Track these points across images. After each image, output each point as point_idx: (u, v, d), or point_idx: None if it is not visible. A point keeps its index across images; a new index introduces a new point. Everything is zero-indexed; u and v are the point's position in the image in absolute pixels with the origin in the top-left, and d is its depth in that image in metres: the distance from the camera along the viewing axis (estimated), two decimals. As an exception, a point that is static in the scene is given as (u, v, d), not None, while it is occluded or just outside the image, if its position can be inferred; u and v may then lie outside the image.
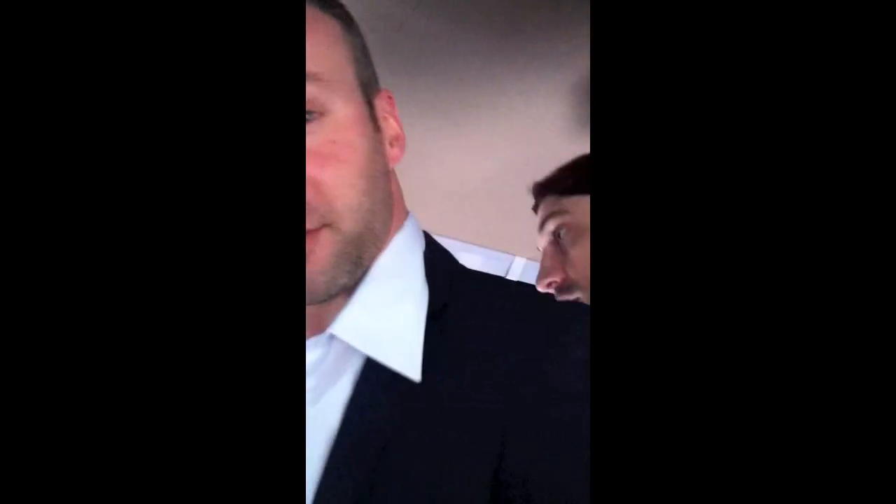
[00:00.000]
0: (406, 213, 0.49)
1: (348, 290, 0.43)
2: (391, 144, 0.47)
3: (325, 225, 0.40)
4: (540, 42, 0.80)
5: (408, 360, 0.40)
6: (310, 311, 0.44)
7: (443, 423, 0.39)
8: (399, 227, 0.47)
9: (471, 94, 0.90)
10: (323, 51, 0.41)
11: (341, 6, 0.45)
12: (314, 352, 0.43)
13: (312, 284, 0.40)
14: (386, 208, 0.45)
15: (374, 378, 0.41)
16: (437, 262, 0.46)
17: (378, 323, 0.42)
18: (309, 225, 0.39)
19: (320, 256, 0.40)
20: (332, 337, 0.42)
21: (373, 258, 0.44)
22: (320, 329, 0.44)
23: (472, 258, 1.10)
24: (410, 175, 1.02)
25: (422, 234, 0.49)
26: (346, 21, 0.45)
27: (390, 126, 0.47)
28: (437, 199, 1.16)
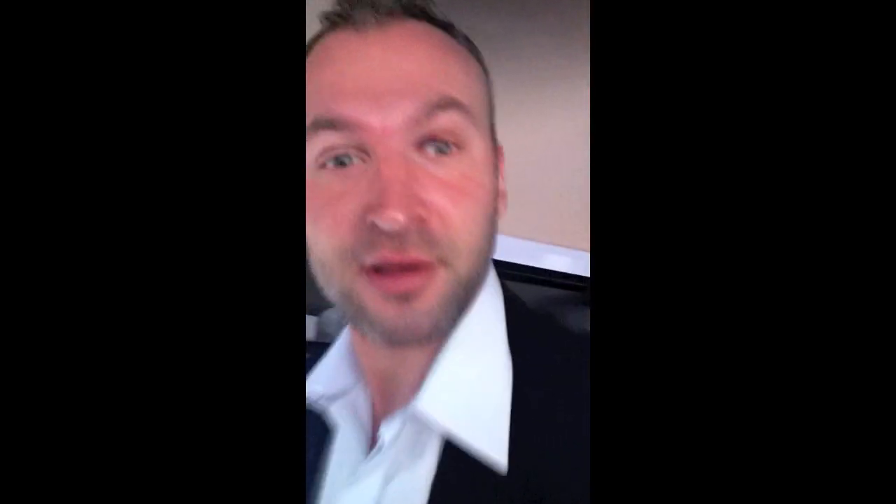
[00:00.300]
0: (490, 268, 0.45)
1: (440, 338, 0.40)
2: (501, 197, 0.45)
3: (442, 263, 0.37)
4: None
5: (495, 446, 0.37)
6: (382, 370, 0.42)
7: None
8: (485, 283, 0.43)
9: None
10: (470, 83, 0.40)
11: (478, 52, 0.45)
12: (391, 428, 0.39)
13: (415, 325, 0.37)
14: (490, 258, 0.42)
15: (458, 462, 0.37)
16: (518, 326, 0.43)
17: (464, 402, 0.38)
18: (426, 257, 0.37)
19: (431, 296, 0.37)
20: (412, 415, 0.39)
21: (466, 313, 0.40)
22: (391, 401, 0.41)
23: (560, 259, 1.03)
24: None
25: (499, 288, 0.45)
26: (484, 66, 0.45)
27: (501, 180, 0.45)
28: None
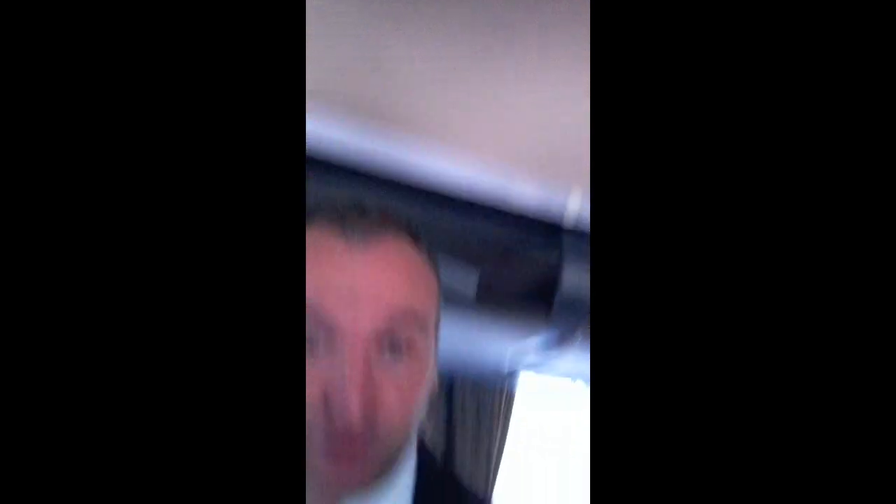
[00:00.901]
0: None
1: None
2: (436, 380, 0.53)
3: (376, 439, 0.43)
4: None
5: None
6: None
7: None
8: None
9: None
10: (427, 295, 0.47)
11: (436, 260, 0.52)
12: None
13: (350, 479, 0.45)
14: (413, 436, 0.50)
15: None
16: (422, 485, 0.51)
17: None
18: (374, 446, 0.43)
19: (365, 460, 0.44)
20: None
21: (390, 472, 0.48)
22: None
23: (526, 189, 1.08)
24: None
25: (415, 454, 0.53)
26: (437, 274, 0.51)
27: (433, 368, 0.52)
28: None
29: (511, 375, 1.31)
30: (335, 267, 0.44)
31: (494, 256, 1.18)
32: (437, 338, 0.51)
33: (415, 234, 0.50)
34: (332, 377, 0.42)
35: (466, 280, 1.07)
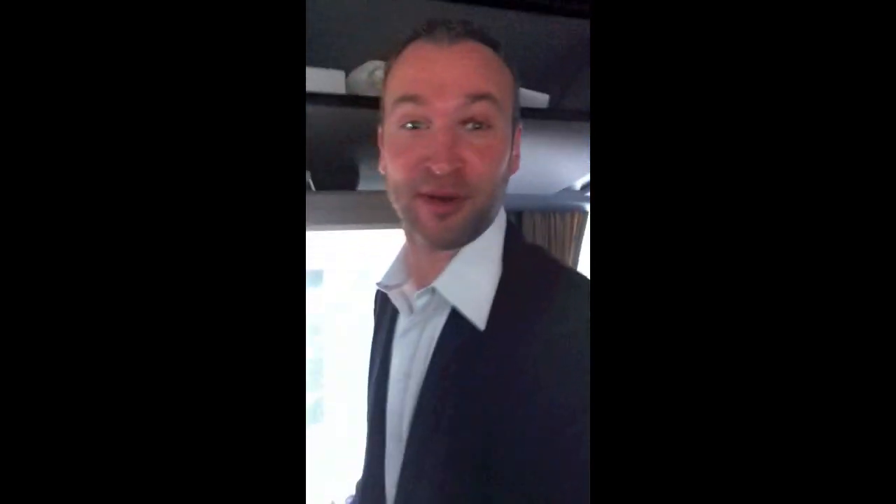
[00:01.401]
0: (502, 207, 0.66)
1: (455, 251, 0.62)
2: (514, 161, 0.65)
3: (468, 198, 0.57)
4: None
5: (477, 313, 0.58)
6: (422, 265, 0.65)
7: (498, 368, 0.54)
8: (496, 216, 0.63)
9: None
10: (501, 84, 0.58)
11: (511, 60, 0.62)
12: (422, 299, 0.63)
13: (447, 235, 0.59)
14: (501, 201, 0.63)
15: (455, 325, 0.60)
16: (511, 246, 0.63)
17: (465, 285, 0.60)
18: (459, 193, 0.57)
19: (459, 218, 0.58)
20: (433, 290, 0.61)
21: (480, 233, 0.62)
22: (425, 283, 0.63)
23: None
24: None
25: (505, 221, 0.66)
26: (514, 71, 0.62)
27: (517, 149, 0.65)
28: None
29: (584, 195, 1.34)
30: (425, 64, 0.57)
31: (565, 73, 1.16)
32: (514, 126, 0.62)
33: (493, 41, 0.61)
34: (429, 146, 0.56)
35: (536, 100, 1.07)
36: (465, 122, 0.56)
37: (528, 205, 1.52)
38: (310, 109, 0.86)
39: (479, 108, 0.56)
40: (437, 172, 0.55)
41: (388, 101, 0.59)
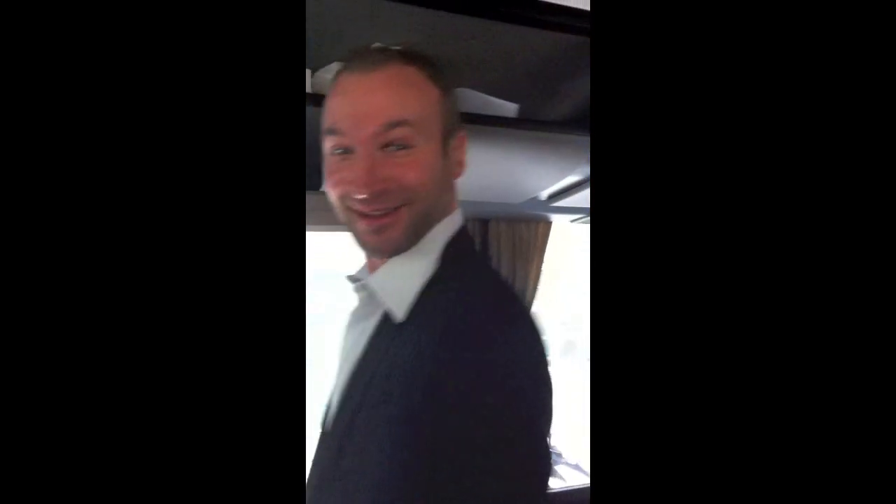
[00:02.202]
0: (454, 209, 0.68)
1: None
2: (455, 168, 0.68)
3: (406, 204, 0.61)
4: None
5: (398, 306, 0.61)
6: (375, 263, 0.67)
7: (417, 365, 0.55)
8: (442, 219, 0.66)
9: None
10: (420, 100, 0.62)
11: (442, 76, 0.66)
12: (360, 293, 0.68)
13: (385, 247, 0.63)
14: (447, 204, 0.66)
15: (385, 319, 0.62)
16: (455, 248, 0.65)
17: (393, 279, 0.63)
18: (392, 204, 0.61)
19: (397, 229, 0.62)
20: (365, 285, 0.65)
21: (422, 236, 0.64)
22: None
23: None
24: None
25: (458, 224, 0.68)
26: (444, 87, 0.66)
27: (458, 156, 0.68)
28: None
29: (550, 205, 1.34)
30: (345, 96, 0.62)
31: (536, 85, 1.16)
32: (451, 136, 0.65)
33: (424, 58, 0.64)
34: (353, 171, 0.60)
35: (505, 109, 1.07)
36: (385, 146, 0.60)
37: (495, 213, 1.52)
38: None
39: (397, 133, 0.60)
40: (359, 197, 0.60)
41: (322, 129, 0.64)
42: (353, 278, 0.69)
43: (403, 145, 0.60)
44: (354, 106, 0.61)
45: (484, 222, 1.61)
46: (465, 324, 0.55)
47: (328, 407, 0.67)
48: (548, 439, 0.55)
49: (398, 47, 0.64)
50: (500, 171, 1.14)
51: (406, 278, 0.62)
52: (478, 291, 0.60)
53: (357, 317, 0.68)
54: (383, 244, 0.63)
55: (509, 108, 1.08)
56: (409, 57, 0.63)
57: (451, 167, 0.66)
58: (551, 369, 0.57)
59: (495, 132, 1.00)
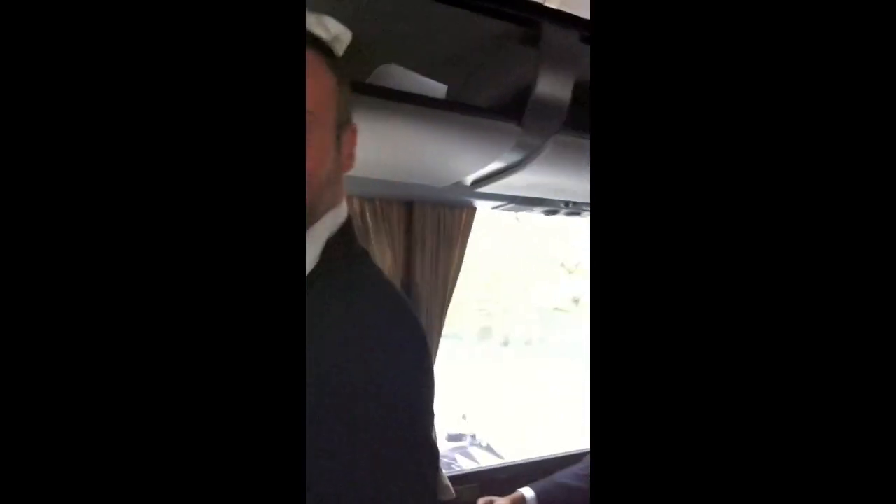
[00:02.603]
0: (340, 203, 0.69)
1: None
2: (346, 161, 0.69)
3: None
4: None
5: None
6: None
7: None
8: (327, 212, 0.66)
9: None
10: (317, 93, 0.61)
11: (340, 64, 0.66)
12: None
13: None
14: (330, 199, 0.66)
15: None
16: (334, 244, 0.65)
17: None
18: None
19: None
20: None
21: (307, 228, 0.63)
22: None
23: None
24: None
25: (343, 218, 0.68)
26: (340, 76, 0.66)
27: (349, 148, 0.70)
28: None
29: (474, 191, 1.35)
30: None
31: (465, 68, 1.15)
32: (343, 128, 0.66)
33: (321, 45, 0.64)
34: None
35: (434, 89, 1.05)
36: None
37: (419, 195, 1.51)
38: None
39: None
40: None
41: None
42: None
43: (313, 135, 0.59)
44: None
45: (409, 205, 1.59)
46: (342, 328, 0.55)
47: None
48: (431, 436, 0.57)
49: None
50: (426, 153, 1.13)
51: None
52: (356, 292, 0.60)
53: None
54: None
55: (438, 89, 1.07)
56: (308, 42, 0.62)
57: (341, 159, 0.66)
58: (432, 366, 0.60)
59: (422, 112, 0.99)
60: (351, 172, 1.37)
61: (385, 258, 1.66)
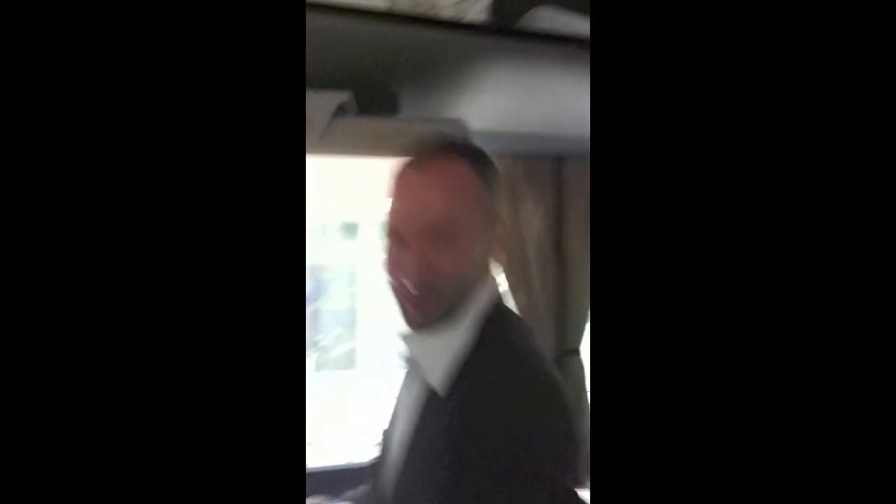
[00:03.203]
0: (489, 276, 0.72)
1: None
2: (496, 253, 0.75)
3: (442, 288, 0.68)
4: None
5: (440, 385, 0.66)
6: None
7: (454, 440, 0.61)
8: (475, 287, 0.70)
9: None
10: (460, 202, 0.69)
11: (488, 169, 0.73)
12: (409, 359, 0.73)
13: (422, 319, 0.70)
14: (478, 276, 0.71)
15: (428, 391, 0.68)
16: (489, 321, 0.69)
17: (435, 354, 0.68)
18: (433, 291, 0.68)
19: (431, 306, 0.69)
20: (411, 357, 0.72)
21: (456, 306, 0.69)
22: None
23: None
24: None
25: (494, 291, 0.72)
26: (488, 180, 0.72)
27: (498, 243, 0.75)
28: None
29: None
30: (397, 187, 0.67)
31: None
32: (490, 228, 0.70)
33: (472, 153, 0.69)
34: (401, 258, 0.66)
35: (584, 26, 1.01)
36: (433, 238, 0.69)
37: (570, 149, 1.46)
38: (345, 24, 0.83)
39: (443, 229, 0.69)
40: (406, 283, 0.69)
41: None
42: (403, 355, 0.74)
43: (449, 240, 0.65)
44: (405, 201, 0.67)
45: (559, 162, 1.56)
46: (493, 408, 0.59)
47: (385, 436, 0.77)
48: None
49: (452, 139, 0.70)
50: (578, 99, 1.10)
51: (442, 349, 0.67)
52: (506, 374, 0.63)
53: (410, 378, 0.74)
54: (417, 318, 0.69)
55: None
56: (460, 151, 0.68)
57: (489, 252, 0.71)
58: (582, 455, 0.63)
59: (575, 55, 0.95)
60: (497, 127, 1.36)
61: (533, 222, 1.64)
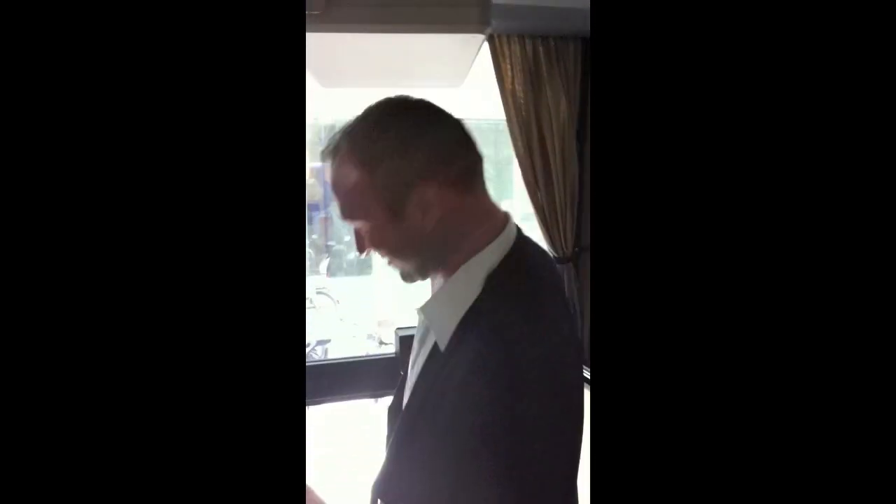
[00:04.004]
0: (496, 236, 0.72)
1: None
2: (425, 224, 0.72)
3: (389, 258, 0.74)
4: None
5: (441, 339, 0.69)
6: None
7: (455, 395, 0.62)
8: (482, 248, 0.71)
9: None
10: (352, 190, 0.70)
11: (369, 156, 0.71)
12: (420, 317, 0.75)
13: (403, 278, 0.77)
14: (468, 240, 0.72)
15: (433, 347, 0.71)
16: (496, 278, 0.69)
17: (441, 311, 0.70)
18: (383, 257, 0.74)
19: (400, 267, 0.75)
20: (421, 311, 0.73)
21: (438, 267, 0.73)
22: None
23: None
24: None
25: (504, 251, 0.71)
26: (371, 167, 0.70)
27: (418, 216, 0.72)
28: None
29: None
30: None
31: None
32: (395, 207, 0.69)
33: (355, 141, 0.69)
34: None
35: None
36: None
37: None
38: None
39: (350, 216, 0.72)
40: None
41: None
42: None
43: (356, 222, 0.70)
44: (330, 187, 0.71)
45: (587, 42, 1.43)
46: (494, 363, 0.60)
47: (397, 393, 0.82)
48: (573, 486, 0.64)
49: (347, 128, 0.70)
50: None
51: (449, 309, 0.69)
52: (511, 329, 0.62)
53: (421, 334, 0.77)
54: (401, 275, 0.75)
55: None
56: (349, 139, 0.69)
57: (414, 227, 0.69)
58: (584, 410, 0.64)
59: None
60: (523, 2, 1.24)
61: (560, 106, 1.55)
